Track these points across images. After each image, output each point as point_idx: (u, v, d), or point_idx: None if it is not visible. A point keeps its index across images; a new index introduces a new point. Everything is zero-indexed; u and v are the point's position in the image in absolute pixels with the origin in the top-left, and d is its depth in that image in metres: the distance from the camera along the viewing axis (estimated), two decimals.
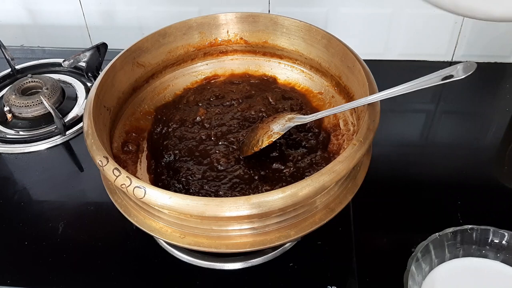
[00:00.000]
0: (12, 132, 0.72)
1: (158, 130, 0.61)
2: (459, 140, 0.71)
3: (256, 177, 0.54)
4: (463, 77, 0.43)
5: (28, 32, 0.91)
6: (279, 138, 0.54)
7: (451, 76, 0.44)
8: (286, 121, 0.54)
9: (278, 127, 0.54)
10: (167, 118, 0.62)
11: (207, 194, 0.53)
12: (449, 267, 0.51)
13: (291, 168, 0.55)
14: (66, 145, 0.70)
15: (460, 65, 0.44)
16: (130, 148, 0.58)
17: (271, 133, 0.54)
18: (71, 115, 0.74)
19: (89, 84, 0.78)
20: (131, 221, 0.48)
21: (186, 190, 0.53)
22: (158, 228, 0.47)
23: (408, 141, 0.71)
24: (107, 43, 0.77)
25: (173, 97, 0.64)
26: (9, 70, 0.82)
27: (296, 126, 0.54)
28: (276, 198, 0.41)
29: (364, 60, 0.54)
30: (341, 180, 0.46)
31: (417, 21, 0.79)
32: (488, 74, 0.80)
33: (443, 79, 0.44)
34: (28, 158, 0.68)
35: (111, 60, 0.57)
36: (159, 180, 0.55)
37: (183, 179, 0.54)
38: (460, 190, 0.61)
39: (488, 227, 0.50)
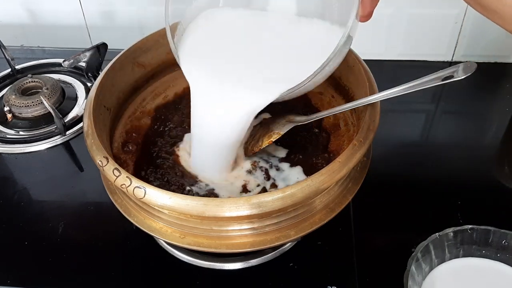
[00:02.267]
0: (12, 132, 0.72)
1: (155, 128, 0.61)
2: (459, 140, 0.71)
3: None
4: (463, 77, 0.43)
5: (28, 32, 0.91)
6: (279, 138, 0.54)
7: (451, 77, 0.44)
8: (286, 121, 0.54)
9: (278, 127, 0.54)
10: (166, 118, 0.62)
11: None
12: (449, 267, 0.51)
13: None
14: (66, 145, 0.70)
15: (460, 66, 0.44)
16: (130, 148, 0.58)
17: (271, 133, 0.54)
18: (71, 115, 0.74)
19: (89, 84, 0.78)
20: (131, 221, 0.48)
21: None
22: (158, 228, 0.47)
23: (408, 141, 0.71)
24: (107, 43, 0.77)
25: (173, 97, 0.64)
26: (9, 70, 0.82)
27: (296, 126, 0.54)
28: (276, 198, 0.41)
29: (364, 60, 0.54)
30: (341, 180, 0.46)
31: (417, 21, 0.79)
32: (488, 74, 0.80)
33: (443, 80, 0.44)
34: (28, 158, 0.68)
35: (111, 60, 0.56)
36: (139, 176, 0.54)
37: (164, 177, 0.54)
38: (460, 190, 0.61)
39: (489, 227, 0.50)
